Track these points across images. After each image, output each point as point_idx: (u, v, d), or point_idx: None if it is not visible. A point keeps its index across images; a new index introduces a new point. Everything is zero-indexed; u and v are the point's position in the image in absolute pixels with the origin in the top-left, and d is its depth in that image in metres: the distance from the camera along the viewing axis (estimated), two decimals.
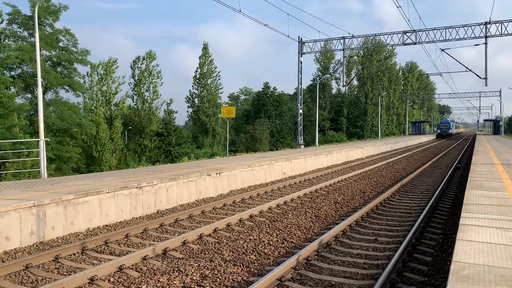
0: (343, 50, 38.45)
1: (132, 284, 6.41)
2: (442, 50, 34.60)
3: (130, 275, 6.80)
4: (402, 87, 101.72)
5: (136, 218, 11.15)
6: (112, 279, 6.63)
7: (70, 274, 6.74)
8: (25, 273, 6.96)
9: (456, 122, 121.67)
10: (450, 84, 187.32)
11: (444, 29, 32.56)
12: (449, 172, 20.02)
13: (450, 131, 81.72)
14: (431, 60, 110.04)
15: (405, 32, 33.85)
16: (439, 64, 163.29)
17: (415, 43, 33.65)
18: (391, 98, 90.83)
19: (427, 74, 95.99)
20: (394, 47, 77.24)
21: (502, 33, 31.01)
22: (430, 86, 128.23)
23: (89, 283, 6.41)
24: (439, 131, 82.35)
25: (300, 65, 37.20)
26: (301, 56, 37.31)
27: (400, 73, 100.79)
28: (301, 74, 37.31)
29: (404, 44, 34.13)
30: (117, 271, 6.93)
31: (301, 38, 37.04)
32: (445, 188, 15.72)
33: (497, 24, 31.22)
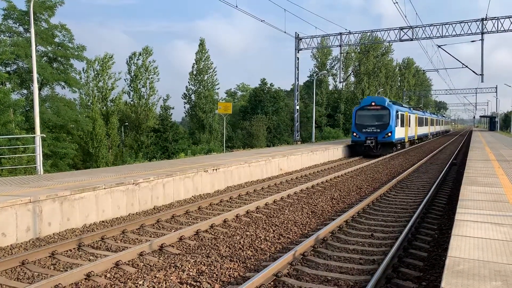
0: (340, 46, 38.39)
1: (128, 280, 6.42)
2: (439, 46, 34.62)
3: (127, 271, 6.80)
4: (399, 83, 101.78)
5: (133, 214, 11.14)
6: (108, 275, 6.64)
7: (67, 270, 6.74)
8: (21, 269, 6.95)
9: (420, 111, 49.85)
10: (446, 80, 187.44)
11: (441, 25, 32.56)
12: (445, 168, 20.10)
13: (389, 134, 29.75)
14: (427, 56, 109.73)
15: (401, 28, 33.83)
16: (435, 61, 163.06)
17: (411, 39, 33.63)
18: (388, 94, 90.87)
19: (423, 70, 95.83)
20: (390, 43, 77.24)
21: (499, 29, 31.04)
22: (427, 82, 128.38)
23: (85, 279, 6.42)
24: (354, 133, 30.95)
25: (297, 61, 37.15)
26: (298, 52, 37.23)
27: (397, 69, 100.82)
28: (298, 70, 37.27)
29: (401, 40, 34.10)
30: (114, 267, 6.93)
31: (298, 34, 36.95)
32: (441, 184, 15.78)
33: (494, 21, 31.24)
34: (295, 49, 37.20)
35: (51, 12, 35.62)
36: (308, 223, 10.21)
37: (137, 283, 6.28)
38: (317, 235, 8.34)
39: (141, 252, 7.53)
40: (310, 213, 11.20)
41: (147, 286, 6.21)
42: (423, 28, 33.10)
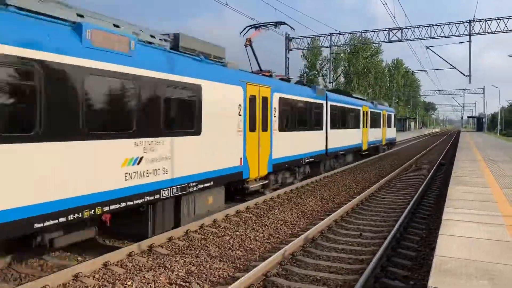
0: (330, 47, 38.64)
1: (117, 281, 6.38)
2: (427, 47, 34.98)
3: (115, 272, 6.76)
4: (388, 84, 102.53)
5: None
6: (97, 276, 6.58)
7: (54, 271, 6.67)
8: (8, 270, 6.87)
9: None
10: (435, 81, 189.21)
11: (429, 27, 32.89)
12: (433, 168, 20.28)
13: None
14: (416, 58, 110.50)
15: (391, 29, 34.11)
16: (424, 62, 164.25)
17: (400, 40, 33.94)
18: (377, 95, 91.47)
19: (412, 71, 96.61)
20: (380, 44, 77.84)
21: (486, 31, 31.45)
22: (416, 83, 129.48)
23: (73, 280, 6.36)
24: None
25: (287, 62, 37.23)
26: (288, 53, 37.33)
27: (386, 70, 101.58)
28: (288, 70, 37.33)
29: (390, 41, 34.40)
30: (102, 267, 6.88)
31: (288, 35, 37.03)
32: (430, 184, 15.93)
33: (481, 22, 31.66)
34: (286, 49, 37.31)
35: None
36: (298, 223, 10.23)
37: (126, 284, 6.25)
38: (306, 235, 8.37)
39: (130, 252, 7.48)
40: (300, 213, 11.23)
41: (136, 286, 6.18)
42: (412, 29, 33.43)
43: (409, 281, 6.41)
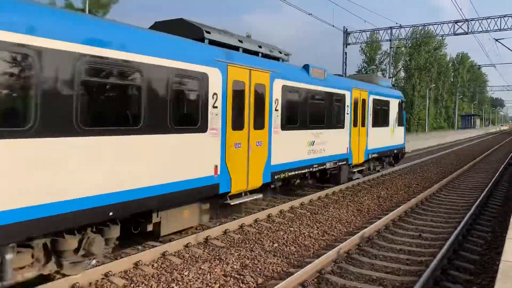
0: (390, 40, 37.44)
1: (174, 270, 6.59)
2: (496, 40, 32.91)
3: (173, 262, 6.98)
4: (452, 79, 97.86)
5: None
6: (155, 265, 6.84)
7: (117, 259, 6.99)
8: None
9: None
10: (504, 76, 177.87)
11: (499, 18, 30.96)
12: (500, 169, 19.13)
13: None
14: (483, 51, 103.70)
15: (456, 22, 32.47)
16: (492, 55, 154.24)
17: (466, 33, 32.20)
18: (440, 91, 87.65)
19: (478, 65, 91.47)
20: (444, 37, 74.27)
21: None
22: (482, 78, 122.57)
23: (134, 267, 6.65)
24: None
25: (345, 56, 36.52)
26: (346, 47, 36.59)
27: (450, 65, 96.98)
28: (345, 65, 36.62)
29: (455, 34, 32.75)
30: (161, 257, 7.13)
31: (347, 29, 36.30)
32: (496, 185, 15.05)
33: None
34: (343, 44, 36.58)
35: (106, 9, 36.85)
36: (353, 221, 10.06)
37: (183, 274, 6.44)
38: (362, 233, 8.20)
39: (187, 243, 7.70)
40: (356, 211, 11.02)
41: (192, 277, 6.35)
42: (480, 21, 31.62)
43: (472, 286, 6.11)
